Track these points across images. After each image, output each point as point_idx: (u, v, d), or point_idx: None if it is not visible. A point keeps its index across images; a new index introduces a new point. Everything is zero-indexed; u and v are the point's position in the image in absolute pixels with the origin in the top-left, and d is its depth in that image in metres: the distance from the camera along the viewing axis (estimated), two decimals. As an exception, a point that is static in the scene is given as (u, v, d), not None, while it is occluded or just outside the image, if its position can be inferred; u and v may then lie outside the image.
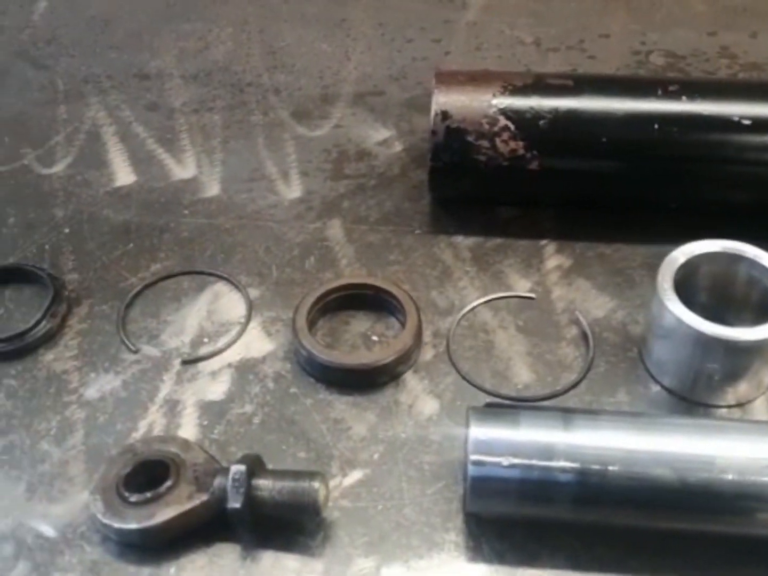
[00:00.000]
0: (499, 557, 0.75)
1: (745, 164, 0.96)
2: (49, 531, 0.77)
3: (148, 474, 0.78)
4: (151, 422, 0.85)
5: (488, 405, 0.79)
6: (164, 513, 0.75)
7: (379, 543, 0.77)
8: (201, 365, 0.90)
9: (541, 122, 0.94)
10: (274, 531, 0.77)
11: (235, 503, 0.74)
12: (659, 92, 0.95)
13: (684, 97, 0.95)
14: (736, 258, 0.87)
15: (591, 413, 0.77)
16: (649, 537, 0.76)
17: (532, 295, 0.94)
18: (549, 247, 0.99)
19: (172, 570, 0.75)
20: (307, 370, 0.89)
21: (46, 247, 1.00)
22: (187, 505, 0.75)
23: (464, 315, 0.93)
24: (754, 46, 1.26)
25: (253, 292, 0.96)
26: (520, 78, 0.97)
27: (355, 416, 0.85)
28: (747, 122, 0.94)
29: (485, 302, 0.94)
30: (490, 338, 0.91)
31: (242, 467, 0.75)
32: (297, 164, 1.10)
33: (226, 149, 1.12)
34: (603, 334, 0.91)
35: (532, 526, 0.77)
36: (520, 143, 0.94)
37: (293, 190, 1.07)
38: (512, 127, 0.94)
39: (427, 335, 0.91)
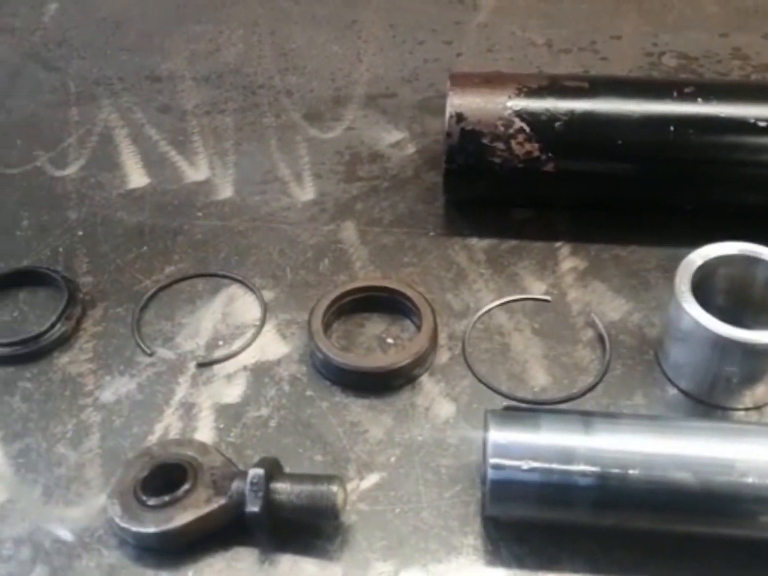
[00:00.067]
0: (518, 561, 0.75)
1: (760, 166, 0.95)
2: (66, 535, 0.77)
3: (166, 477, 0.78)
4: (167, 425, 0.85)
5: (507, 408, 0.78)
6: (182, 517, 0.74)
7: (397, 547, 0.76)
8: (216, 368, 0.89)
9: (557, 124, 0.94)
10: (291, 535, 0.77)
11: (253, 507, 0.74)
12: (675, 94, 0.95)
13: (699, 99, 0.94)
14: (754, 260, 0.86)
15: (611, 417, 0.77)
16: (669, 540, 0.75)
17: (548, 297, 0.94)
18: (564, 249, 0.99)
19: (190, 574, 0.75)
20: (322, 373, 0.88)
21: (60, 249, 1.00)
22: (205, 509, 0.75)
23: (479, 317, 0.93)
24: (767, 47, 1.26)
25: (268, 295, 0.96)
26: (535, 80, 0.97)
27: (372, 419, 0.85)
28: (763, 124, 0.93)
29: (500, 305, 0.94)
30: (505, 341, 0.91)
31: (260, 471, 0.74)
32: (310, 166, 1.10)
33: (239, 151, 1.12)
34: (619, 337, 0.91)
35: (551, 530, 0.76)
36: (536, 145, 0.94)
37: (306, 192, 1.07)
38: (527, 129, 0.94)
39: (442, 338, 0.91)
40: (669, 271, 0.97)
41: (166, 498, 0.75)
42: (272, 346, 0.91)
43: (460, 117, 0.95)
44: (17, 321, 0.93)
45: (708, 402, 0.85)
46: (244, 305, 0.95)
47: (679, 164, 0.95)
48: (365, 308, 0.93)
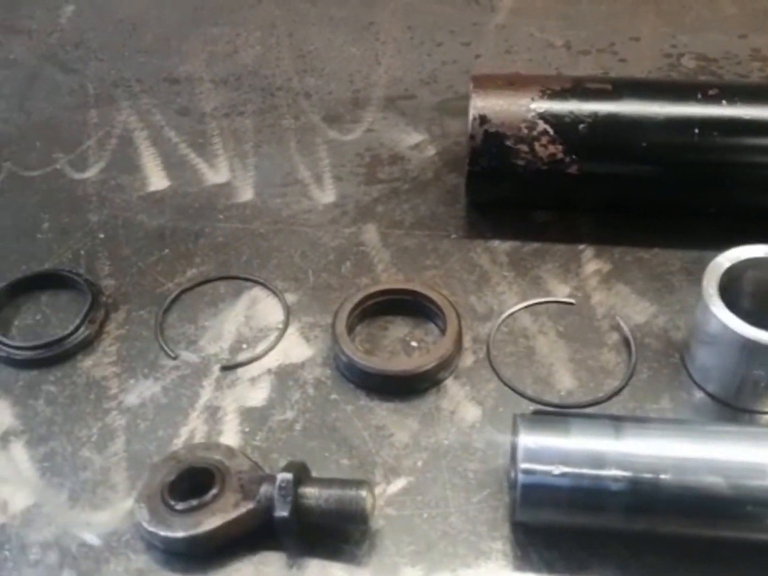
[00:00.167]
0: (548, 566, 0.75)
1: (785, 169, 0.95)
2: (93, 539, 0.77)
3: (193, 481, 0.77)
4: (193, 429, 0.84)
5: (536, 412, 0.78)
6: (211, 521, 0.74)
7: (425, 552, 0.76)
8: (240, 371, 0.89)
9: (581, 126, 0.93)
10: (319, 539, 0.76)
11: (282, 512, 0.73)
12: (699, 96, 0.94)
13: (724, 101, 0.94)
14: (781, 263, 0.86)
15: (641, 421, 0.77)
16: (699, 545, 0.75)
17: (572, 300, 0.94)
18: (587, 251, 0.99)
19: (218, 578, 0.75)
20: (347, 376, 0.88)
21: (82, 252, 1.00)
22: (234, 514, 0.74)
23: (504, 320, 0.92)
24: (787, 49, 1.26)
25: (290, 298, 0.95)
26: (558, 82, 0.97)
27: (397, 423, 0.85)
28: (788, 126, 0.93)
29: (525, 307, 0.93)
30: (530, 344, 0.90)
31: (289, 475, 0.74)
32: (330, 168, 1.10)
33: (259, 153, 1.12)
34: (644, 340, 0.90)
35: (581, 534, 0.76)
36: (559, 147, 0.94)
37: (327, 195, 1.07)
38: (551, 131, 0.94)
39: (466, 341, 0.90)
40: (693, 273, 0.97)
41: (194, 502, 0.75)
42: (296, 349, 0.91)
43: (483, 119, 0.94)
44: (40, 324, 0.93)
45: (735, 405, 0.85)
46: (267, 308, 0.95)
47: (704, 166, 0.94)
48: (389, 311, 0.93)
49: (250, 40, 1.29)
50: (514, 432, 0.76)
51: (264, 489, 0.75)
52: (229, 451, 0.80)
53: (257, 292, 0.96)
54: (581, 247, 0.99)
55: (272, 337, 0.92)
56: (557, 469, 0.71)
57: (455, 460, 0.82)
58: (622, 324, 0.91)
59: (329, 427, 0.84)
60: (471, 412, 0.85)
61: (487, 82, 0.97)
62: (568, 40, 1.27)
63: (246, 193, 1.07)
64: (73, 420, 0.85)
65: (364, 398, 0.87)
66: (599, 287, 0.95)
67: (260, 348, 0.91)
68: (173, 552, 0.76)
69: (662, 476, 0.71)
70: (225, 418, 0.85)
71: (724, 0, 1.34)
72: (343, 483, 0.75)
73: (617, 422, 0.74)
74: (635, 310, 0.93)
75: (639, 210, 1.00)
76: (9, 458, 0.82)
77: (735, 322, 0.81)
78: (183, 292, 0.96)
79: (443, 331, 0.90)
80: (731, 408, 0.85)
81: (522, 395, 0.86)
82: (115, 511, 0.79)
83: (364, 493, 0.74)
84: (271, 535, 0.75)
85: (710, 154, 0.94)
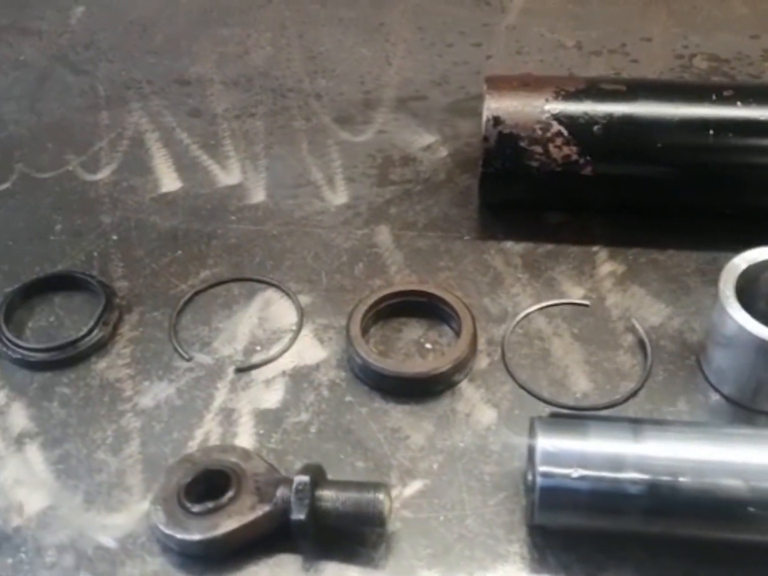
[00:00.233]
0: (565, 569, 0.75)
1: (801, 170, 0.95)
2: (109, 542, 0.77)
3: (208, 484, 0.77)
4: (208, 431, 0.84)
5: (553, 415, 0.78)
6: (227, 524, 0.74)
7: (442, 555, 0.76)
8: (254, 373, 0.89)
9: (595, 128, 0.93)
10: (335, 542, 0.76)
11: (299, 515, 0.73)
12: (713, 97, 0.94)
13: (739, 103, 0.94)
14: (799, 265, 0.86)
15: (660, 423, 0.77)
16: (718, 548, 0.75)
17: (587, 302, 0.93)
18: (601, 253, 0.98)
19: (234, 581, 0.75)
20: (361, 378, 0.88)
21: (95, 254, 1.00)
22: (250, 516, 0.74)
23: (518, 322, 0.92)
24: (798, 49, 1.26)
25: (304, 299, 0.95)
26: (573, 83, 0.96)
27: (412, 425, 0.85)
28: (803, 127, 0.93)
29: (539, 309, 0.93)
30: (545, 346, 0.90)
31: (306, 478, 0.74)
32: (342, 170, 1.10)
33: (270, 155, 1.12)
34: (660, 342, 0.90)
35: (598, 537, 0.76)
36: (574, 149, 0.93)
37: (339, 196, 1.07)
38: (565, 132, 0.93)
39: (481, 343, 0.90)
40: (708, 275, 0.97)
41: (211, 505, 0.75)
42: (310, 351, 0.91)
43: (497, 120, 0.94)
44: (53, 326, 0.93)
45: (751, 408, 0.84)
46: (281, 310, 0.95)
47: (718, 168, 0.94)
48: (403, 313, 0.93)
49: (261, 42, 1.29)
50: (532, 435, 0.76)
51: (281, 492, 0.75)
52: (245, 453, 0.79)
53: (270, 293, 0.96)
54: (595, 248, 0.99)
55: (286, 339, 0.91)
56: (576, 472, 0.71)
57: (471, 462, 0.81)
58: (637, 326, 0.91)
59: (344, 430, 0.84)
60: (486, 415, 0.85)
61: (500, 83, 0.97)
62: (579, 41, 1.27)
63: (258, 195, 1.07)
64: (87, 422, 0.85)
65: (378, 400, 0.86)
66: (614, 289, 0.95)
67: (274, 350, 0.90)
68: (189, 555, 0.75)
69: (681, 479, 0.71)
70: (240, 420, 0.85)
71: (735, 0, 1.35)
72: (360, 486, 0.75)
73: (635, 425, 0.73)
74: (650, 311, 0.93)
75: (653, 211, 1.00)
76: (24, 460, 0.82)
77: (752, 324, 0.80)
78: (196, 293, 0.95)
79: (458, 333, 0.89)
80: (747, 410, 0.85)
81: (537, 397, 0.86)
82: (131, 514, 0.79)
83: (381, 496, 0.74)
84: (287, 538, 0.75)
85: (725, 156, 0.94)
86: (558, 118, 0.94)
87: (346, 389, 0.87)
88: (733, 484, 0.71)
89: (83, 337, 0.89)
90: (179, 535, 0.74)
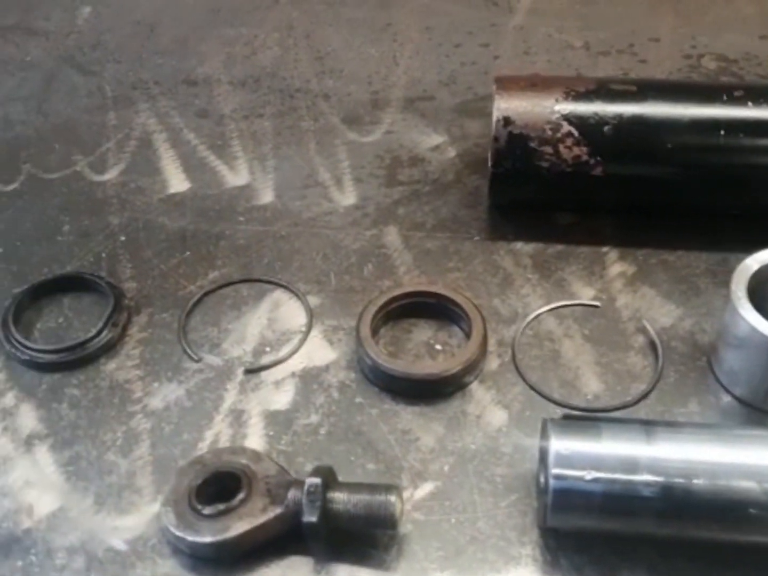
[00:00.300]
0: (578, 571, 0.74)
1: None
2: (119, 544, 0.77)
3: (219, 486, 0.77)
4: (217, 432, 0.84)
5: (565, 417, 0.77)
6: (238, 526, 0.73)
7: (454, 557, 0.75)
8: (264, 374, 0.89)
9: (606, 128, 0.93)
10: (347, 544, 0.76)
11: (311, 517, 0.73)
12: (724, 98, 0.94)
13: (750, 103, 0.93)
14: (811, 266, 0.86)
15: (673, 425, 0.76)
16: (731, 550, 0.74)
17: (597, 303, 0.93)
18: (611, 254, 0.98)
19: (246, 584, 0.75)
20: (371, 380, 0.88)
21: (103, 255, 1.00)
22: (261, 518, 0.74)
23: (528, 323, 0.92)
24: (807, 49, 1.26)
25: (313, 300, 0.95)
26: (583, 83, 0.96)
27: (423, 427, 0.84)
28: (815, 128, 0.93)
29: (549, 310, 0.93)
30: (556, 347, 0.90)
31: (318, 480, 0.73)
32: (350, 170, 1.09)
33: (278, 155, 1.12)
34: (671, 343, 0.89)
35: (611, 539, 0.75)
36: (584, 149, 0.93)
37: (347, 197, 1.06)
38: (576, 132, 0.93)
39: (491, 344, 0.90)
40: (718, 276, 0.97)
41: (222, 507, 0.74)
42: (319, 352, 0.90)
43: (507, 121, 0.94)
44: (62, 327, 0.93)
45: (764, 409, 0.84)
46: (290, 311, 0.94)
47: (729, 168, 0.94)
48: (412, 314, 0.92)
49: (268, 42, 1.29)
50: (544, 437, 0.76)
51: (292, 494, 0.75)
52: (256, 455, 0.79)
53: (279, 294, 0.96)
54: (605, 249, 0.99)
55: (295, 340, 0.91)
56: (589, 475, 0.71)
57: (482, 464, 0.81)
58: (648, 327, 0.90)
59: (354, 431, 0.84)
60: (497, 416, 0.85)
61: (510, 84, 0.96)
62: (586, 41, 1.27)
63: (266, 196, 1.07)
64: (97, 424, 0.85)
65: (389, 402, 0.86)
66: (624, 290, 0.95)
67: (284, 351, 0.90)
68: (200, 557, 0.75)
69: (694, 481, 0.70)
70: (249, 421, 0.85)
71: (742, 0, 1.34)
72: (372, 488, 0.75)
73: (648, 426, 0.73)
74: (661, 312, 0.93)
75: (663, 212, 1.00)
76: (34, 462, 0.82)
77: (764, 326, 0.80)
78: (205, 294, 0.95)
79: (467, 335, 0.89)
80: (760, 411, 0.84)
81: (548, 399, 0.86)
82: (141, 516, 0.78)
83: (393, 498, 0.73)
84: (298, 540, 0.75)
85: (736, 156, 0.94)
86: (568, 118, 0.94)
87: (356, 390, 0.87)
88: (746, 486, 0.70)
89: (92, 338, 0.89)
90: (190, 537, 0.74)
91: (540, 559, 0.75)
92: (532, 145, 0.94)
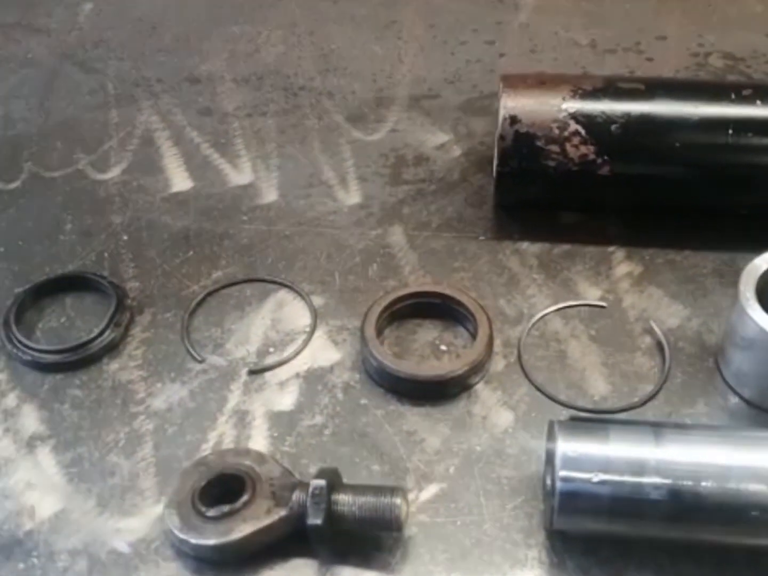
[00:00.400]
0: (585, 574, 0.73)
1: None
2: (122, 546, 0.76)
3: (223, 488, 0.76)
4: (221, 433, 0.83)
5: (573, 418, 0.77)
6: (242, 528, 0.73)
7: (460, 559, 0.75)
8: (268, 375, 0.88)
9: (613, 127, 0.92)
10: (352, 547, 0.75)
11: (315, 519, 0.72)
12: (733, 96, 0.93)
13: (758, 102, 0.92)
14: (820, 266, 0.85)
15: (681, 427, 0.75)
16: (740, 554, 0.74)
17: (603, 303, 0.92)
18: (617, 253, 0.97)
19: (250, 587, 0.74)
20: (376, 381, 0.87)
21: (105, 254, 0.99)
22: (266, 521, 0.73)
23: (534, 324, 0.91)
24: (815, 47, 1.25)
25: (317, 300, 0.94)
26: (590, 81, 0.95)
27: (428, 428, 0.84)
28: (824, 127, 0.92)
29: (555, 311, 0.92)
30: (562, 348, 0.89)
31: (323, 482, 0.73)
32: (354, 169, 1.09)
33: (282, 154, 1.11)
34: (678, 344, 0.89)
35: (618, 542, 0.75)
36: (591, 148, 0.92)
37: (352, 196, 1.06)
38: (583, 131, 0.92)
39: (497, 345, 0.89)
40: (725, 276, 0.96)
41: (226, 509, 0.74)
42: (324, 352, 0.90)
43: (513, 119, 0.93)
44: (64, 327, 0.92)
45: (772, 411, 0.84)
46: (294, 311, 0.94)
47: (737, 167, 0.93)
48: (417, 314, 0.92)
49: (272, 39, 1.28)
50: (551, 438, 0.75)
51: (296, 496, 0.74)
52: (260, 456, 0.78)
53: (283, 294, 0.95)
54: (611, 249, 0.98)
55: (300, 341, 0.90)
56: (596, 477, 0.70)
57: (488, 466, 0.80)
58: (655, 327, 0.90)
59: (359, 433, 0.83)
60: (503, 418, 0.84)
61: (517, 82, 0.96)
62: (593, 39, 1.26)
63: (270, 195, 1.06)
64: (99, 424, 0.84)
65: (394, 403, 0.85)
66: (631, 290, 0.94)
67: (288, 352, 0.89)
68: (204, 559, 0.74)
69: (703, 483, 0.70)
70: (253, 422, 0.84)
71: (749, -2, 1.33)
72: (377, 490, 0.74)
73: (657, 428, 0.72)
74: (668, 313, 0.92)
75: (670, 211, 0.99)
76: (36, 463, 0.81)
77: (773, 327, 0.80)
78: (209, 294, 0.94)
79: (473, 335, 0.88)
80: (768, 413, 0.85)
81: (555, 400, 0.85)
82: (144, 518, 0.78)
83: (398, 500, 0.73)
84: (303, 543, 0.74)
85: (744, 155, 0.93)
86: (575, 117, 0.93)
87: (361, 391, 0.86)
88: (755, 488, 0.69)
89: (95, 338, 0.88)
90: (194, 540, 0.73)
91: (546, 561, 0.74)
92: (539, 143, 0.93)
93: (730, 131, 0.92)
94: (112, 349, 0.89)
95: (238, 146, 1.12)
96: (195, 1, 1.36)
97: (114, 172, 1.09)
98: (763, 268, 0.83)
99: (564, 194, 0.98)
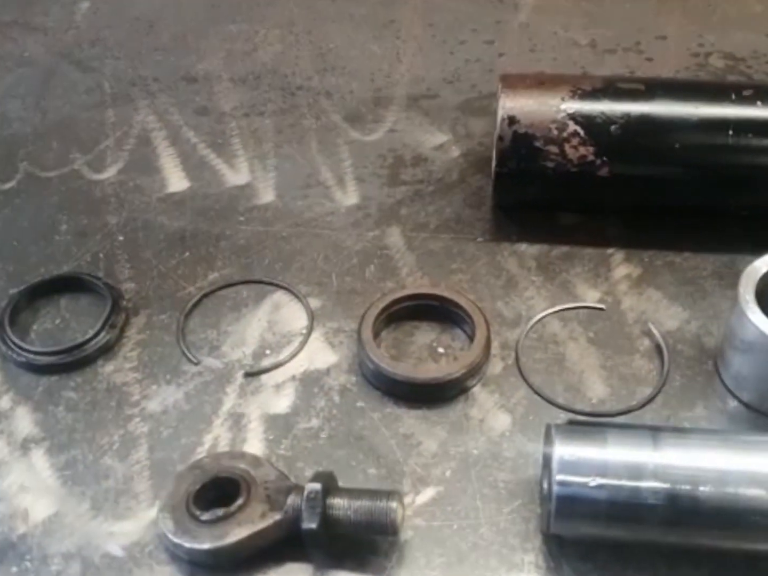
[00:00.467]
0: (582, 579, 0.74)
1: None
2: (116, 550, 0.75)
3: (218, 491, 0.76)
4: (216, 436, 0.82)
5: (570, 422, 0.76)
6: (237, 532, 0.72)
7: (456, 564, 0.74)
8: (264, 377, 0.87)
9: (612, 127, 0.91)
10: (347, 551, 0.74)
11: (310, 524, 0.71)
12: (733, 97, 0.92)
13: (759, 102, 0.92)
14: (820, 269, 0.84)
15: (679, 431, 0.75)
16: (738, 559, 0.73)
17: (602, 305, 0.92)
18: (616, 255, 0.96)
19: (244, 591, 0.74)
20: (373, 383, 0.86)
21: (101, 255, 0.98)
22: (260, 525, 0.73)
23: (532, 326, 0.90)
24: (815, 48, 1.24)
25: (314, 302, 0.93)
26: (589, 81, 0.95)
27: (425, 431, 0.83)
28: (825, 128, 0.91)
29: (554, 313, 0.91)
30: (560, 350, 0.88)
31: (318, 486, 0.72)
32: (352, 170, 1.08)
33: (280, 154, 1.10)
34: (677, 347, 0.88)
35: (615, 546, 0.74)
36: (590, 149, 0.92)
37: (349, 197, 1.05)
38: (582, 132, 0.91)
39: (495, 347, 0.88)
40: (725, 278, 0.95)
41: (220, 513, 0.73)
42: (320, 355, 0.89)
43: (512, 120, 0.92)
44: (59, 328, 0.91)
45: (772, 415, 0.84)
46: (290, 313, 0.93)
47: (738, 168, 0.92)
48: (415, 316, 0.91)
49: (269, 38, 1.28)
50: (548, 442, 0.74)
51: (291, 500, 0.73)
52: (255, 460, 0.78)
53: (280, 296, 0.94)
54: (610, 250, 0.97)
55: (296, 343, 0.90)
56: (593, 481, 0.69)
57: (485, 469, 0.80)
58: (654, 330, 0.89)
59: (356, 436, 0.83)
60: (500, 421, 0.83)
61: (516, 82, 0.95)
62: (593, 39, 1.25)
63: (267, 195, 1.05)
64: (94, 427, 0.83)
65: (391, 406, 0.85)
66: (630, 292, 0.93)
67: (284, 354, 0.89)
68: (198, 563, 0.74)
69: (701, 488, 0.69)
70: (249, 425, 0.83)
71: (750, -3, 1.33)
72: (373, 494, 0.73)
73: (656, 432, 0.72)
74: (667, 315, 0.91)
75: (670, 212, 0.98)
76: (29, 466, 0.81)
77: (773, 330, 0.79)
78: (205, 296, 0.94)
79: (471, 337, 0.88)
80: (767, 417, 0.83)
81: (552, 403, 0.84)
82: (138, 521, 0.77)
83: (394, 504, 0.72)
84: (298, 547, 0.74)
85: (744, 156, 0.92)
86: (574, 117, 0.92)
87: (358, 394, 0.86)
88: (753, 493, 0.69)
89: (90, 339, 0.88)
90: (188, 544, 0.73)
91: (543, 566, 0.74)
92: (538, 144, 0.92)
93: (731, 132, 0.91)
94: (107, 350, 0.89)
95: (235, 146, 1.11)
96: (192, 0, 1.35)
97: (110, 172, 1.08)
98: (763, 271, 0.83)
99: (563, 195, 0.97)
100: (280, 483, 0.76)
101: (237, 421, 0.84)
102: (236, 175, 1.08)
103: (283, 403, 0.85)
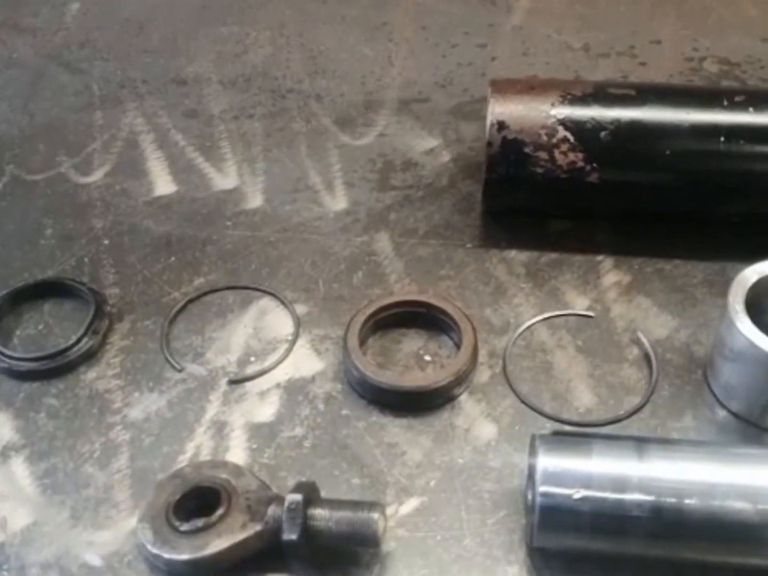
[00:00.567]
0: (566, 592, 0.73)
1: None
2: (94, 559, 0.74)
3: (198, 501, 0.75)
4: (199, 445, 0.81)
5: (555, 433, 0.75)
6: (216, 543, 0.71)
7: (439, 576, 0.74)
8: (248, 385, 0.86)
9: (602, 133, 0.90)
10: (328, 562, 0.73)
11: (291, 535, 0.70)
12: (725, 103, 0.91)
13: (751, 108, 0.91)
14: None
15: (666, 443, 0.74)
16: (724, 573, 0.72)
17: (591, 313, 0.91)
18: (606, 262, 0.96)
19: (224, 603, 0.73)
20: (358, 392, 0.85)
21: (86, 259, 0.97)
22: (240, 536, 0.72)
23: (520, 334, 0.89)
24: (811, 53, 1.23)
25: (300, 309, 0.92)
26: (580, 87, 0.94)
27: (410, 440, 0.82)
28: (817, 134, 0.90)
29: (542, 320, 0.90)
30: (548, 358, 0.87)
31: (299, 497, 0.71)
32: (341, 174, 1.07)
33: (268, 158, 1.09)
34: (666, 355, 0.87)
35: (600, 559, 0.73)
36: (580, 155, 0.91)
37: (338, 202, 1.04)
38: (572, 138, 0.90)
39: (482, 355, 0.87)
40: (715, 286, 0.94)
41: (200, 523, 0.72)
42: (306, 362, 0.88)
43: (501, 125, 0.91)
44: (42, 334, 0.90)
45: (761, 425, 0.82)
46: (276, 319, 0.92)
47: (729, 175, 0.91)
48: (402, 324, 0.90)
49: (260, 40, 1.27)
50: (533, 453, 0.73)
51: (272, 510, 0.72)
52: (237, 469, 0.77)
53: (266, 302, 0.93)
54: (600, 257, 0.96)
55: (282, 350, 0.89)
56: (577, 493, 0.68)
57: (470, 479, 0.79)
58: (642, 338, 0.88)
59: (340, 445, 0.82)
60: (486, 430, 0.82)
61: (505, 87, 0.94)
62: (586, 43, 1.24)
63: (255, 200, 1.04)
64: (75, 434, 0.82)
65: (376, 414, 0.84)
66: (619, 299, 0.92)
67: (269, 361, 0.88)
68: (177, 574, 0.73)
69: (686, 501, 0.68)
70: (232, 434, 0.82)
71: (745, 2, 1.31)
72: (355, 505, 0.72)
73: (641, 444, 0.71)
74: (656, 323, 0.90)
75: (660, 219, 0.97)
76: (8, 474, 0.80)
77: (762, 340, 0.77)
78: (190, 302, 0.93)
79: (458, 345, 0.87)
80: (756, 428, 0.82)
81: (539, 412, 0.83)
82: (118, 531, 0.76)
83: (376, 515, 0.71)
84: (278, 558, 0.73)
85: (736, 163, 0.91)
86: (564, 123, 0.91)
87: (343, 402, 0.85)
88: (739, 506, 0.68)
89: (72, 346, 0.87)
90: (167, 555, 0.72)
91: (527, 579, 0.73)
92: (527, 150, 0.91)
93: (722, 138, 0.90)
94: (90, 357, 0.88)
95: (224, 149, 1.10)
96: (182, 1, 1.34)
97: (97, 176, 1.07)
98: (753, 280, 0.82)
99: (552, 201, 0.96)
100: (261, 493, 0.75)
101: (220, 429, 0.83)
102: (224, 179, 1.07)
103: (267, 411, 0.84)
